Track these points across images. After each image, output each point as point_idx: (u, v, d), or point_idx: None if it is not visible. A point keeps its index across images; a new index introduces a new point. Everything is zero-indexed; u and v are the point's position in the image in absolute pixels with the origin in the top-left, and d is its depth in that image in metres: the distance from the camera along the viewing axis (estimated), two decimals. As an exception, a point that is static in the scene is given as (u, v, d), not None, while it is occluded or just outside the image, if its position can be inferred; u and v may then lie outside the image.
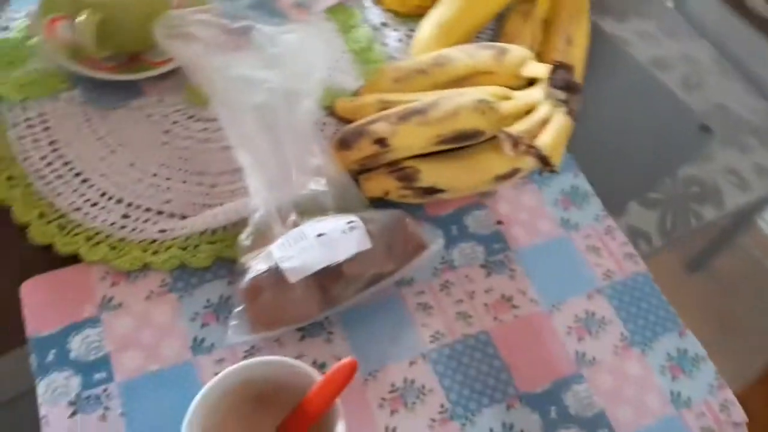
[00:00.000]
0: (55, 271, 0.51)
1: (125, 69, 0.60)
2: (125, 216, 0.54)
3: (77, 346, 0.48)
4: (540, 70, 0.55)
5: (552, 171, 0.53)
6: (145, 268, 0.52)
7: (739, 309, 1.44)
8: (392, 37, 0.70)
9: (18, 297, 0.49)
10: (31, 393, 0.46)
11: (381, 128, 0.54)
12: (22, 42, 0.61)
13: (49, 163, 0.55)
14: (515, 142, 0.52)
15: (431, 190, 0.55)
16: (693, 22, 0.87)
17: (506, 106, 0.54)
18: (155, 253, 0.52)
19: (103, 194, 0.54)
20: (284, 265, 0.46)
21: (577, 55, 0.67)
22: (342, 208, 0.51)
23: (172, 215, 0.54)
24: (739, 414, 0.53)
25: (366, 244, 0.48)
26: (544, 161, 0.52)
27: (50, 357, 0.47)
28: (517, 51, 0.58)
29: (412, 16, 0.71)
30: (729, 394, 0.54)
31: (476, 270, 0.56)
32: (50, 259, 0.51)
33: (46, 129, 0.57)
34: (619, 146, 0.69)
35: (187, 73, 0.55)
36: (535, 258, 0.58)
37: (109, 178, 0.55)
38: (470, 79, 0.59)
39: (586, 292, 0.57)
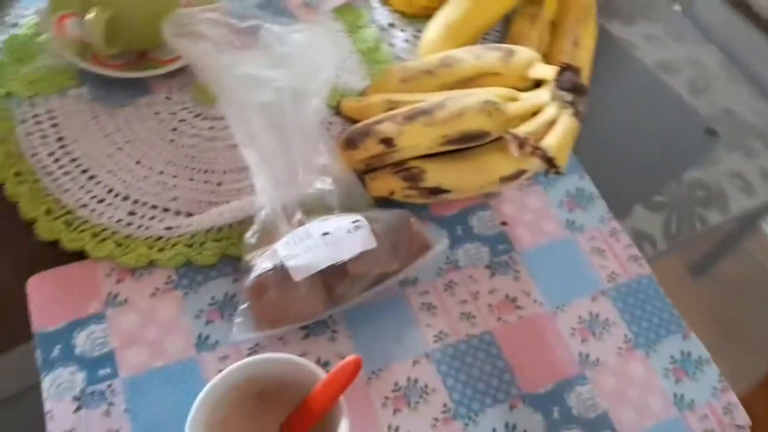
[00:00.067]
0: (61, 267, 0.51)
1: (133, 67, 0.60)
2: (131, 213, 0.54)
3: (82, 341, 0.48)
4: (547, 71, 0.55)
5: (557, 173, 0.53)
6: (151, 265, 0.52)
7: (743, 313, 1.43)
8: (399, 37, 0.70)
9: (24, 292, 0.50)
10: (36, 388, 0.46)
11: (387, 128, 0.54)
12: (31, 39, 0.62)
13: (57, 160, 0.56)
14: (521, 143, 0.52)
15: (436, 191, 0.55)
16: (700, 26, 0.87)
17: (512, 108, 0.54)
18: (161, 250, 0.52)
19: (110, 191, 0.55)
20: (289, 264, 0.47)
21: (583, 57, 0.67)
22: (347, 208, 0.51)
23: (178, 213, 0.54)
24: (743, 417, 0.53)
25: (371, 244, 0.48)
26: (550, 163, 0.52)
27: (55, 352, 0.48)
28: (524, 53, 0.58)
29: (419, 17, 0.71)
30: (732, 397, 0.54)
31: (481, 270, 0.56)
32: (57, 255, 0.51)
33: (54, 125, 0.58)
34: (624, 149, 0.69)
35: (194, 72, 0.55)
36: (539, 259, 0.58)
37: (116, 175, 0.56)
38: (477, 80, 0.59)
39: (591, 294, 0.57)
